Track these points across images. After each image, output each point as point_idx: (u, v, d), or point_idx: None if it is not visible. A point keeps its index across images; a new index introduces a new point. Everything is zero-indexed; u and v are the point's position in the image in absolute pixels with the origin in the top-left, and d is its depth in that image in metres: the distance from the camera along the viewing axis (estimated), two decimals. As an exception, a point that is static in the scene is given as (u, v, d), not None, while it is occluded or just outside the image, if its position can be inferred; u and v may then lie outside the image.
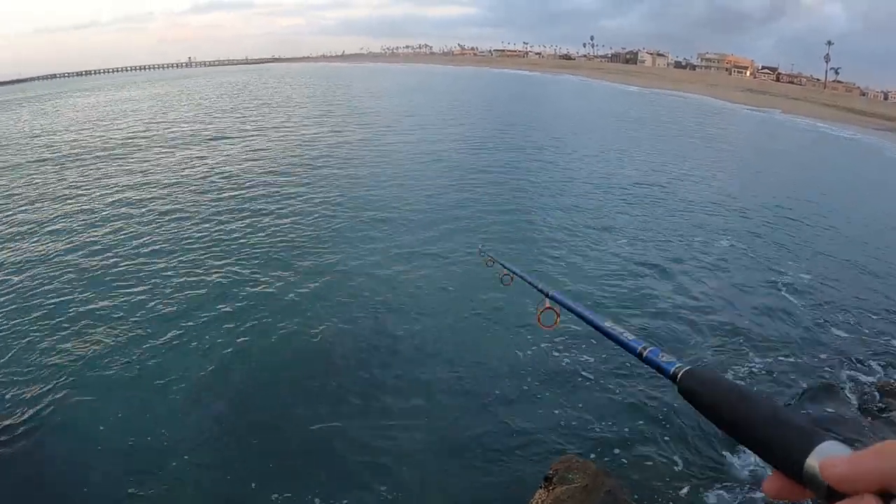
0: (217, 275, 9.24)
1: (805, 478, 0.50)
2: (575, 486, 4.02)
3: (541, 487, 4.23)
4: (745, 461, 5.23)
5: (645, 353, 0.90)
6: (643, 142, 25.74)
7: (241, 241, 10.87)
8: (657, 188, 16.57)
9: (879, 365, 7.29)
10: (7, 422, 5.71)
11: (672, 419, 5.86)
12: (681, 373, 0.76)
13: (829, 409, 6.14)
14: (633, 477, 5.05)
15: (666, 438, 5.61)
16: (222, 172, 16.67)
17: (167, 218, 12.28)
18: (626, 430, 5.75)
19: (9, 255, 10.27)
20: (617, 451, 5.44)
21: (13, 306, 8.24)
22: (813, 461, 0.49)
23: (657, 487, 5.00)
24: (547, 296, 1.60)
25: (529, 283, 1.96)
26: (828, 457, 0.48)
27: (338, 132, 24.98)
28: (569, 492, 3.98)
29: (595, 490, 3.99)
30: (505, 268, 2.45)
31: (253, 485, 4.95)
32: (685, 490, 4.98)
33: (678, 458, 5.34)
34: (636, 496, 4.61)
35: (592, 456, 5.14)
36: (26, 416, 5.81)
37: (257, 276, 9.23)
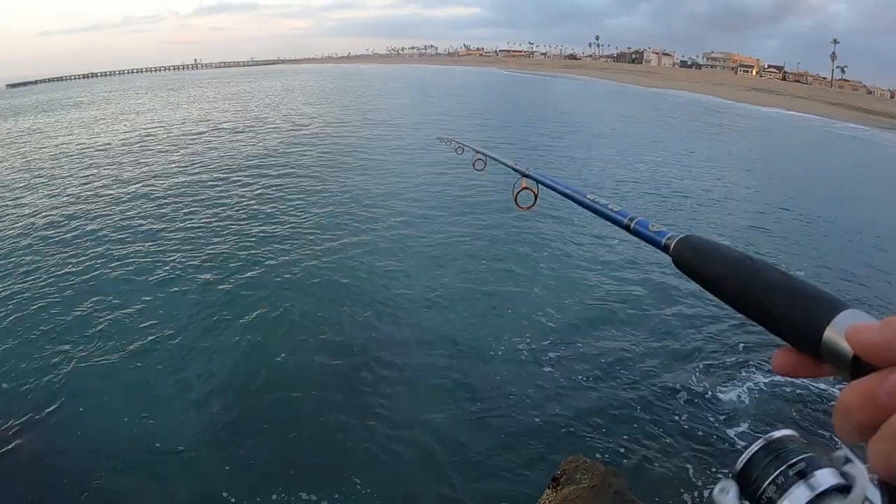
0: (225, 270, 9.31)
1: (824, 350, 0.43)
2: (583, 487, 4.03)
3: (548, 488, 4.24)
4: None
5: (632, 225, 0.83)
6: (640, 138, 25.67)
7: (243, 235, 10.93)
8: (655, 184, 16.53)
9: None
10: (8, 416, 5.76)
11: (680, 421, 5.85)
12: (674, 242, 0.68)
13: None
14: (641, 478, 5.04)
15: (674, 440, 5.60)
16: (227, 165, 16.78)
17: (170, 208, 12.36)
18: (634, 431, 5.74)
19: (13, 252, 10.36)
20: (625, 451, 5.44)
21: (14, 300, 8.33)
22: (834, 330, 0.42)
23: (665, 488, 5.00)
24: (523, 174, 1.50)
25: (503, 163, 1.81)
26: (854, 322, 0.40)
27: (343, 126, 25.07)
28: (576, 492, 3.99)
29: (603, 491, 3.99)
30: (477, 152, 2.21)
31: (253, 482, 4.97)
32: (692, 491, 4.98)
33: (686, 460, 5.33)
34: (644, 497, 4.61)
35: (599, 456, 5.14)
36: (28, 410, 5.85)
37: (255, 273, 9.27)
